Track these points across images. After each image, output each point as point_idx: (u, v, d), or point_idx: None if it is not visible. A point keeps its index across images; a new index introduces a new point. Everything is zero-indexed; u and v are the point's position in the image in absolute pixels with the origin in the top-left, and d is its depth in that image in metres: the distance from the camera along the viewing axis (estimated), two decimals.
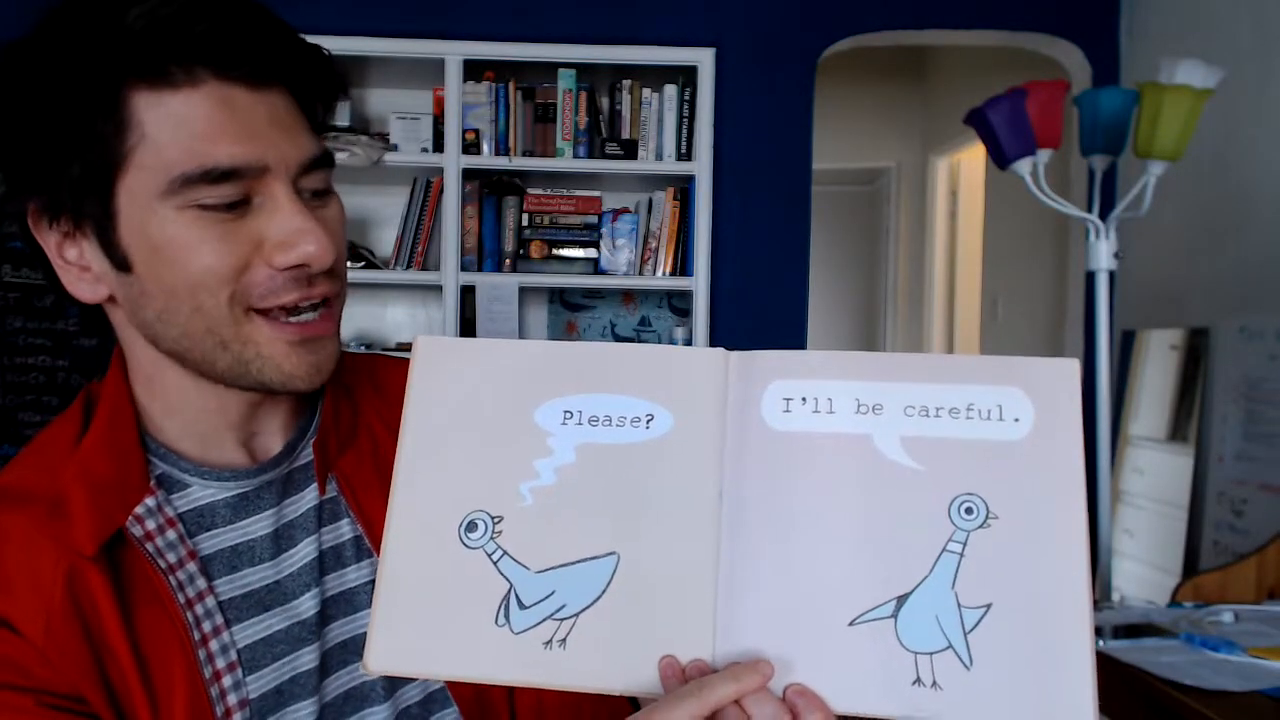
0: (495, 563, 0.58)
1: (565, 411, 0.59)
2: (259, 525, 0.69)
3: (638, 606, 0.56)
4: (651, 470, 0.58)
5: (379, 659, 0.57)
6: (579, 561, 0.57)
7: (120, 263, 0.61)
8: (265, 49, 0.60)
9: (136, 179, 0.59)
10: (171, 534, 0.64)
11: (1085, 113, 1.97)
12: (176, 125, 0.58)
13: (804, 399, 0.57)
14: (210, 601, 0.64)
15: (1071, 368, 0.57)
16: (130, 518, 0.63)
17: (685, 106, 2.86)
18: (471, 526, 0.58)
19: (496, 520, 0.58)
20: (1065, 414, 0.56)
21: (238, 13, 0.59)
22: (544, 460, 0.59)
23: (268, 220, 0.61)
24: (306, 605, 0.69)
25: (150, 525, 0.64)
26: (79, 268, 0.64)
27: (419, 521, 0.59)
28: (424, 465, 0.60)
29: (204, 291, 0.61)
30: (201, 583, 0.64)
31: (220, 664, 0.64)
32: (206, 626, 0.64)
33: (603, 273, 2.93)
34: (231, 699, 0.63)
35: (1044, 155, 1.94)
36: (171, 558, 0.64)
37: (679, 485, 0.57)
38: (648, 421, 0.59)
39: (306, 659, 0.68)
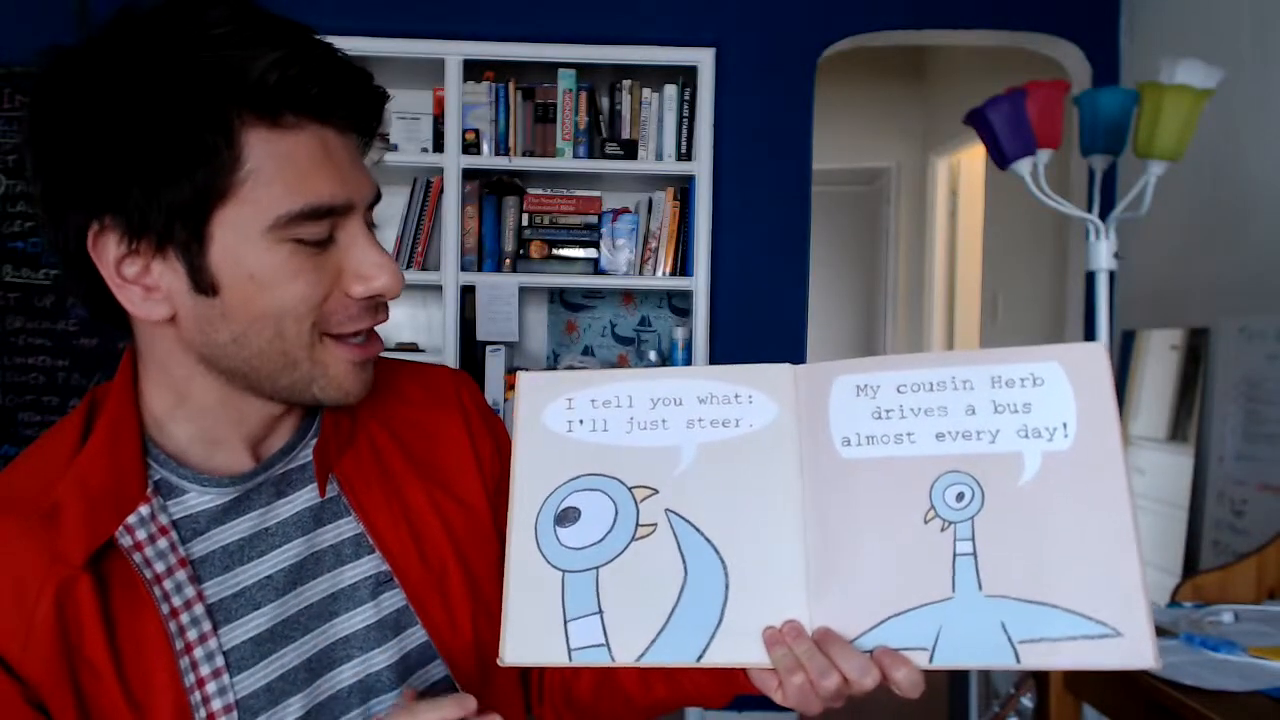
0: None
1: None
2: (248, 523, 0.71)
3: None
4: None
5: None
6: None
7: (204, 287, 0.63)
8: (357, 99, 0.66)
9: (239, 211, 0.62)
10: (163, 542, 0.66)
11: (1085, 113, 1.97)
12: (285, 164, 0.62)
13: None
14: (199, 609, 0.66)
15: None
16: (121, 527, 0.64)
17: (685, 106, 2.86)
18: None
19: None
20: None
21: (342, 71, 0.64)
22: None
23: (347, 254, 0.66)
24: (293, 603, 0.71)
25: (141, 535, 0.65)
26: (142, 286, 0.64)
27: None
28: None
29: (290, 318, 0.65)
30: (190, 590, 0.66)
31: (205, 670, 0.65)
32: (192, 634, 0.65)
33: (603, 273, 2.93)
34: (216, 704, 0.65)
35: (1044, 155, 1.94)
36: (160, 566, 0.65)
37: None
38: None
39: (292, 656, 0.69)
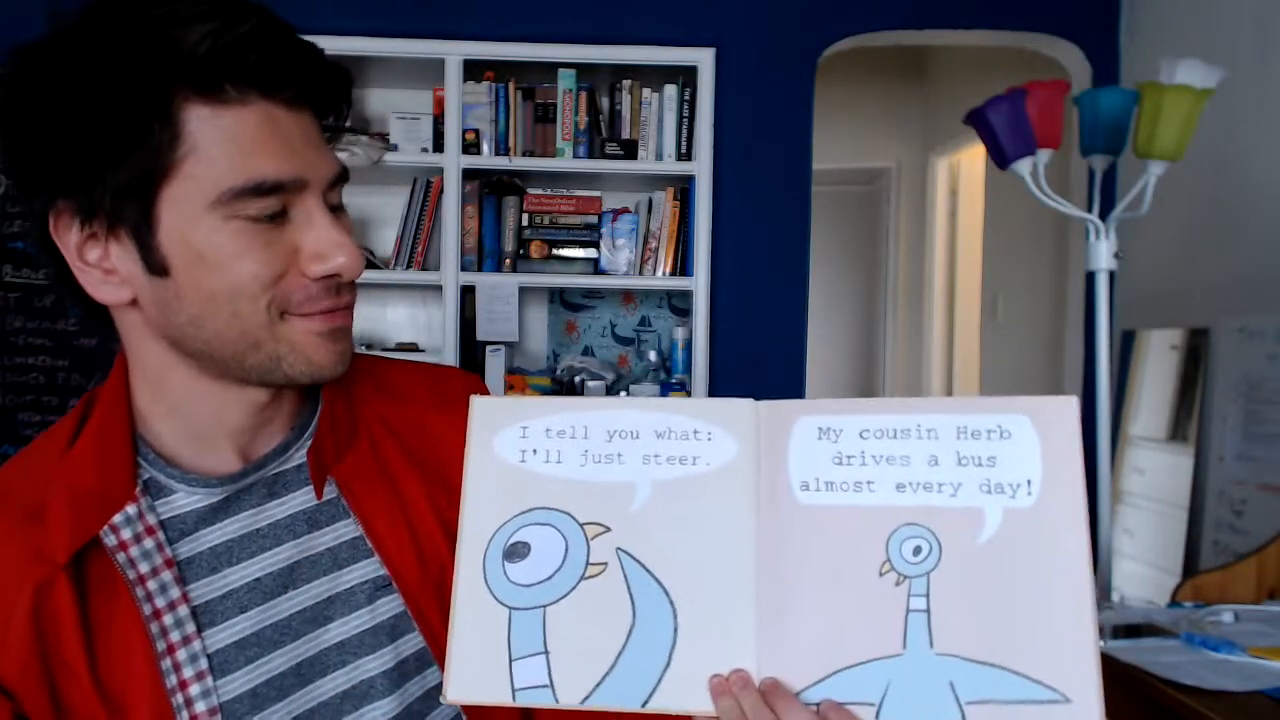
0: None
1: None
2: (237, 525, 0.70)
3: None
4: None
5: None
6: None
7: (156, 267, 0.63)
8: (305, 74, 0.64)
9: (183, 188, 0.61)
10: (149, 542, 0.65)
11: (1085, 113, 1.97)
12: (228, 140, 0.61)
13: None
14: (183, 610, 0.65)
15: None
16: (106, 527, 0.64)
17: (685, 106, 2.86)
18: None
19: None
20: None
21: (284, 41, 0.63)
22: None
23: (303, 232, 0.65)
24: (283, 606, 0.70)
25: (126, 534, 0.65)
26: (102, 270, 0.64)
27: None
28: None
29: (243, 297, 0.63)
30: (175, 591, 0.66)
31: (187, 673, 0.65)
32: (175, 636, 0.65)
33: (603, 273, 2.93)
34: (200, 706, 0.64)
35: (1044, 155, 1.94)
36: (144, 567, 0.65)
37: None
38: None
39: (280, 661, 0.69)
